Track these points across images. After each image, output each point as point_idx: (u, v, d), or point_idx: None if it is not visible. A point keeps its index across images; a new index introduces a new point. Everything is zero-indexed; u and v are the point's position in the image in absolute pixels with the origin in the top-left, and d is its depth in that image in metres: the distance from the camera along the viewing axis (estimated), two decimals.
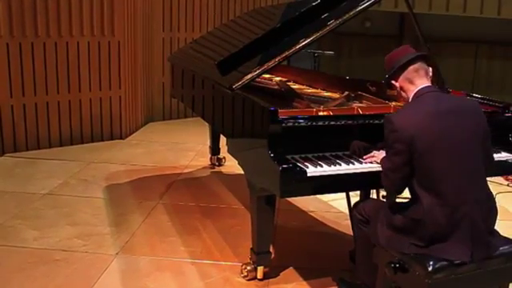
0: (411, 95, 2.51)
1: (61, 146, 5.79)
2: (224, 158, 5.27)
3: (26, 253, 3.44)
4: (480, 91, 3.60)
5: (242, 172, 3.14)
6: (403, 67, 2.51)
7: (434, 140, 2.33)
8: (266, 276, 3.18)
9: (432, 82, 2.56)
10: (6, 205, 4.21)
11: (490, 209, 2.46)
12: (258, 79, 3.51)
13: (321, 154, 2.82)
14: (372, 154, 2.79)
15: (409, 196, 2.52)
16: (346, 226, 3.81)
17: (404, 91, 2.55)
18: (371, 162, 2.75)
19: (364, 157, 2.79)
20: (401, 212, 2.47)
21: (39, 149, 5.64)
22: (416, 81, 2.50)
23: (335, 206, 4.37)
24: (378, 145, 2.82)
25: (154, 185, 4.77)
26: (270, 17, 4.20)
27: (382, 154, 2.70)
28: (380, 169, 2.72)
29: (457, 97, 2.55)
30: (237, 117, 3.25)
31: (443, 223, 2.34)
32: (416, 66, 2.51)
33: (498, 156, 2.93)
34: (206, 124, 4.63)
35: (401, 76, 2.53)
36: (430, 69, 2.56)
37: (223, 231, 3.86)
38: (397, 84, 2.56)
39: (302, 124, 2.81)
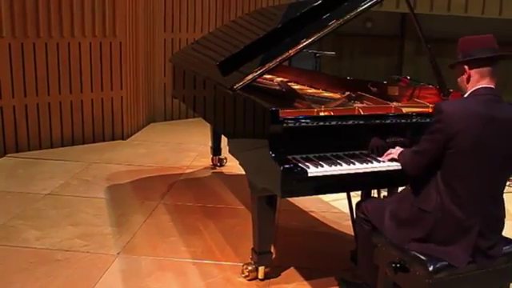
0: (471, 89, 2.43)
1: (62, 146, 5.80)
2: (225, 158, 5.27)
3: (28, 253, 3.45)
4: None
5: (243, 172, 3.14)
6: (488, 61, 2.41)
7: (473, 145, 2.32)
8: (267, 276, 3.19)
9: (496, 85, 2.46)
10: (8, 205, 4.21)
11: (498, 223, 2.47)
12: (259, 79, 3.52)
13: (322, 154, 2.83)
14: (389, 151, 2.81)
15: None
16: (347, 226, 3.81)
17: (470, 81, 2.44)
18: (390, 160, 2.76)
19: (382, 157, 2.80)
20: (410, 201, 2.48)
21: (41, 149, 5.65)
22: (485, 79, 2.42)
23: (336, 207, 4.37)
24: (389, 140, 2.83)
25: (155, 185, 4.78)
26: (272, 17, 4.20)
27: (398, 150, 2.74)
28: (382, 169, 2.74)
29: (509, 106, 2.49)
30: (238, 117, 3.25)
31: (452, 225, 2.36)
32: (495, 67, 2.43)
33: None
34: (208, 124, 4.64)
35: (478, 68, 2.42)
36: None
37: (224, 231, 3.86)
38: (469, 72, 2.43)
39: (303, 124, 2.81)
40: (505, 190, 2.51)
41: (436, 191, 2.40)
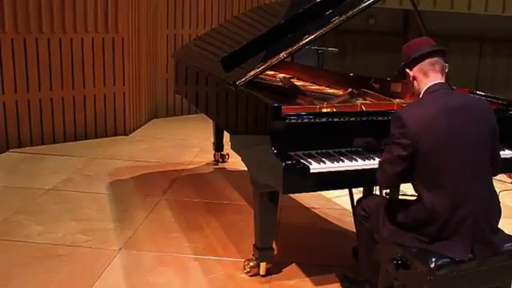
0: (423, 88, 2.47)
1: (65, 141, 5.80)
2: (227, 154, 5.27)
3: (30, 247, 3.46)
4: (484, 89, 3.58)
5: (246, 168, 3.14)
6: (421, 58, 2.47)
7: (442, 138, 2.32)
8: (268, 272, 3.19)
9: (446, 79, 2.52)
10: (11, 200, 4.22)
11: (493, 208, 2.46)
12: (261, 76, 3.51)
13: (324, 151, 2.82)
14: None
15: (413, 193, 2.52)
16: (348, 222, 3.81)
17: (416, 82, 2.51)
18: None
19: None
20: (404, 211, 2.47)
21: (43, 144, 5.66)
22: (431, 74, 2.46)
23: (338, 203, 4.37)
24: (383, 141, 2.82)
25: (157, 181, 4.78)
26: (274, 13, 4.20)
27: None
28: None
29: (467, 95, 2.52)
30: (240, 113, 3.25)
31: (446, 222, 2.34)
32: (434, 59, 2.47)
33: (501, 153, 2.92)
34: (210, 120, 4.64)
35: (416, 66, 2.48)
36: (447, 65, 2.52)
37: (226, 227, 3.87)
38: (411, 73, 2.51)
39: (306, 120, 2.81)
40: (506, 188, 2.51)
41: (420, 199, 2.40)
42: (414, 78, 2.51)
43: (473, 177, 2.37)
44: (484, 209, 2.39)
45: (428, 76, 2.47)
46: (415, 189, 2.45)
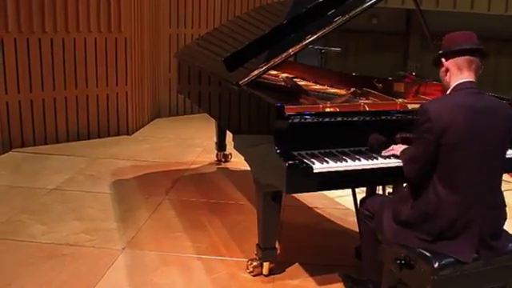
0: (453, 84, 2.46)
1: (68, 141, 5.81)
2: (230, 154, 5.27)
3: (34, 247, 3.47)
4: (487, 89, 3.57)
5: (249, 168, 3.15)
6: (460, 52, 2.45)
7: (464, 136, 2.33)
8: (271, 272, 3.19)
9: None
10: (14, 200, 4.23)
11: (500, 213, 2.47)
12: (264, 75, 3.51)
13: (327, 151, 2.82)
14: (391, 147, 2.79)
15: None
16: (351, 222, 3.81)
17: (449, 75, 2.49)
18: (390, 156, 2.75)
19: (383, 152, 2.79)
20: (408, 207, 2.47)
21: (46, 144, 5.67)
22: (464, 71, 2.45)
23: (341, 203, 4.37)
24: (397, 138, 2.82)
25: (160, 181, 4.79)
26: (277, 13, 4.20)
27: (400, 147, 2.72)
28: (387, 165, 2.73)
29: (492, 98, 2.52)
30: (243, 113, 3.25)
31: (454, 221, 2.35)
32: (472, 58, 2.46)
33: None
34: (213, 120, 4.64)
35: (453, 59, 2.47)
36: (482, 67, 2.50)
37: (229, 227, 3.87)
38: (445, 64, 2.49)
39: (309, 120, 2.81)
40: (509, 188, 2.51)
41: (434, 192, 2.40)
42: (448, 70, 2.49)
43: (486, 180, 2.39)
44: (492, 213, 2.40)
45: (461, 72, 2.45)
46: (429, 181, 2.43)
